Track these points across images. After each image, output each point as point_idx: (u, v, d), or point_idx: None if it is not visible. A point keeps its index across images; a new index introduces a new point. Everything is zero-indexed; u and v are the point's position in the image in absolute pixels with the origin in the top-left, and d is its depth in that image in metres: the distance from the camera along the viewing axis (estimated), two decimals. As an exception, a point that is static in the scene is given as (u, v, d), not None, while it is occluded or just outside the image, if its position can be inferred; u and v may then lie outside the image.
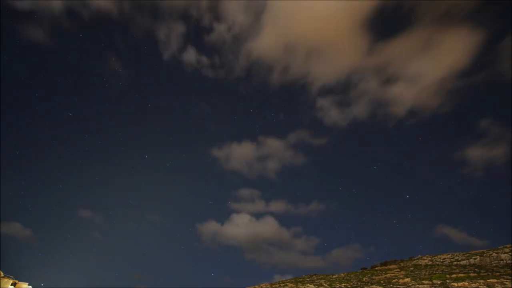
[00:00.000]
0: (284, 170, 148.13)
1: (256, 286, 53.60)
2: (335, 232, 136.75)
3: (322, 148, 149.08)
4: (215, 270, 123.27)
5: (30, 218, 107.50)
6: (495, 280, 31.70)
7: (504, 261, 43.69)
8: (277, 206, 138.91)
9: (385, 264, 57.64)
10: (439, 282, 34.14)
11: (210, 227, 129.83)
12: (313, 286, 43.42)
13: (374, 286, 37.32)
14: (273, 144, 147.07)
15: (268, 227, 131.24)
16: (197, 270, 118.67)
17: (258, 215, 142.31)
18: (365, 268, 58.64)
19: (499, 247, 48.70)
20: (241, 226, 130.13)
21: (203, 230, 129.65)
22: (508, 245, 48.00)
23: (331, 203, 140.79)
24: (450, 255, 53.15)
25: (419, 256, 57.70)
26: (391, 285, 36.73)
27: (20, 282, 34.15)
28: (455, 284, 31.98)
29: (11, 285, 32.91)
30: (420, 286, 33.93)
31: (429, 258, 54.72)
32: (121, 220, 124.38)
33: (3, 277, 31.66)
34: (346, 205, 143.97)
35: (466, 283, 31.83)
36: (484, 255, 46.93)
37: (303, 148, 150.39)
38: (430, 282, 34.48)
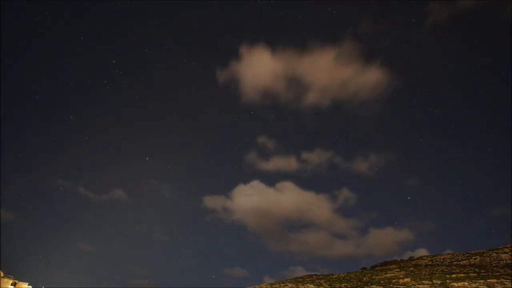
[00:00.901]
0: (332, 105, 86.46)
1: (256, 286, 53.63)
2: (397, 201, 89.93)
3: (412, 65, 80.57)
4: (222, 260, 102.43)
5: (30, 217, 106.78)
6: (495, 280, 31.69)
7: (504, 261, 43.68)
8: (315, 157, 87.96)
9: (385, 264, 57.65)
10: (439, 282, 34.12)
11: (217, 202, 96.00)
12: (313, 286, 43.40)
13: (374, 286, 37.32)
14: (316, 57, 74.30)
15: (293, 197, 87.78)
16: (202, 265, 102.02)
17: (282, 178, 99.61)
18: (365, 268, 58.63)
19: (499, 247, 48.68)
20: (256, 199, 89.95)
21: (209, 206, 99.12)
22: (508, 245, 47.98)
23: (400, 156, 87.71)
24: (450, 255, 53.16)
25: (419, 256, 57.74)
26: (391, 285, 36.70)
27: (20, 282, 34.10)
28: (455, 284, 31.95)
29: (11, 285, 32.87)
30: (420, 286, 33.90)
31: (429, 258, 54.72)
32: (126, 212, 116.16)
33: (3, 277, 31.62)
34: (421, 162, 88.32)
35: (466, 283, 31.81)
36: (484, 255, 46.92)
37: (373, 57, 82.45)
38: (430, 282, 34.46)
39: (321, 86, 79.24)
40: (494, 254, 45.91)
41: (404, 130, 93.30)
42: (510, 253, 44.49)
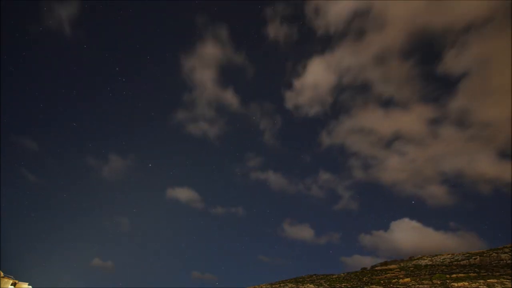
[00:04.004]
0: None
1: (256, 286, 53.65)
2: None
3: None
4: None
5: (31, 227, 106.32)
6: (495, 280, 31.68)
7: (504, 261, 43.67)
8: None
9: (385, 264, 57.68)
10: (439, 282, 34.11)
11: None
12: (313, 286, 43.40)
13: (374, 286, 37.32)
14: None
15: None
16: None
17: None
18: (365, 268, 58.65)
19: (499, 247, 48.71)
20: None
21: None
22: (508, 245, 48.01)
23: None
24: (450, 255, 53.17)
25: (419, 256, 57.73)
26: (391, 285, 36.70)
27: (20, 282, 34.12)
28: (455, 284, 31.94)
29: (11, 285, 32.88)
30: (420, 286, 33.90)
31: (429, 258, 54.73)
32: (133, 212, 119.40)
33: (3, 277, 31.63)
34: None
35: (466, 283, 31.80)
36: (484, 255, 46.92)
37: None
38: (430, 282, 34.46)
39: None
40: (494, 254, 45.91)
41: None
42: (510, 253, 44.50)
